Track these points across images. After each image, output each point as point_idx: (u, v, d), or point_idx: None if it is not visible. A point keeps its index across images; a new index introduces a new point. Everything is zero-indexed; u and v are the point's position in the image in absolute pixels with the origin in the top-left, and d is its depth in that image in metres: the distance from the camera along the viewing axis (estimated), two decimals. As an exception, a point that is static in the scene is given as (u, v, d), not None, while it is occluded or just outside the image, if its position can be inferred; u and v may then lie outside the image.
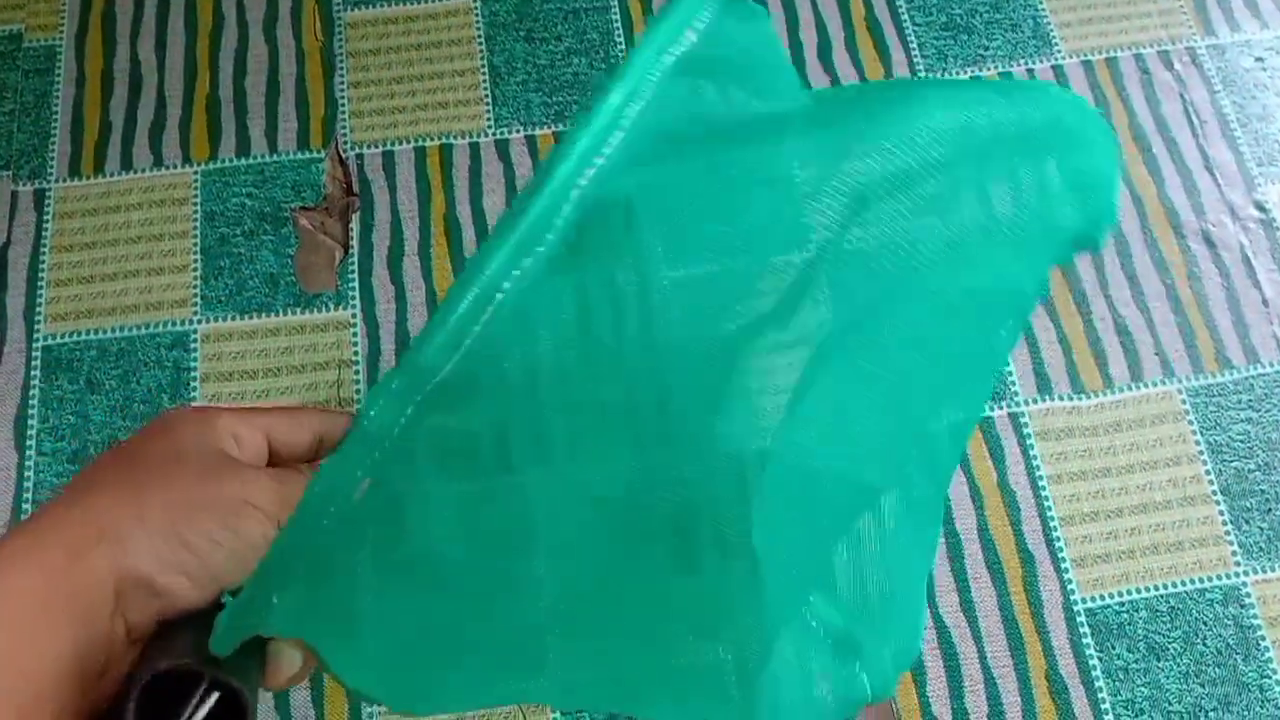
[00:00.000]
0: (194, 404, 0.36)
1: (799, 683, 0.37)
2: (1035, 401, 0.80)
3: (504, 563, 0.33)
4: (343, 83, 0.91)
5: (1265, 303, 0.83)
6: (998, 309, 0.39)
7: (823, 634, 0.38)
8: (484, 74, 0.91)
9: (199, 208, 0.86)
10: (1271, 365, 0.81)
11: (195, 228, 0.86)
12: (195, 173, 0.87)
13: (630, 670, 0.35)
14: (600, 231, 0.30)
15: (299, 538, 0.29)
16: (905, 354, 0.37)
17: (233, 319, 0.83)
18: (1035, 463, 0.78)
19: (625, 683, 0.35)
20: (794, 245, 0.33)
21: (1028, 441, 0.79)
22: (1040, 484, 0.78)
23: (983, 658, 0.73)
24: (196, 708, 0.29)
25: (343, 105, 0.90)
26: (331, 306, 0.83)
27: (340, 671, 0.31)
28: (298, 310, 0.83)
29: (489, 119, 0.89)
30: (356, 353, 0.81)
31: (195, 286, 0.84)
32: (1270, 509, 0.77)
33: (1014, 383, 0.81)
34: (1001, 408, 0.80)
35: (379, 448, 0.28)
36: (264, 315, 0.83)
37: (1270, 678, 0.73)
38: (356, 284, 0.84)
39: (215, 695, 0.29)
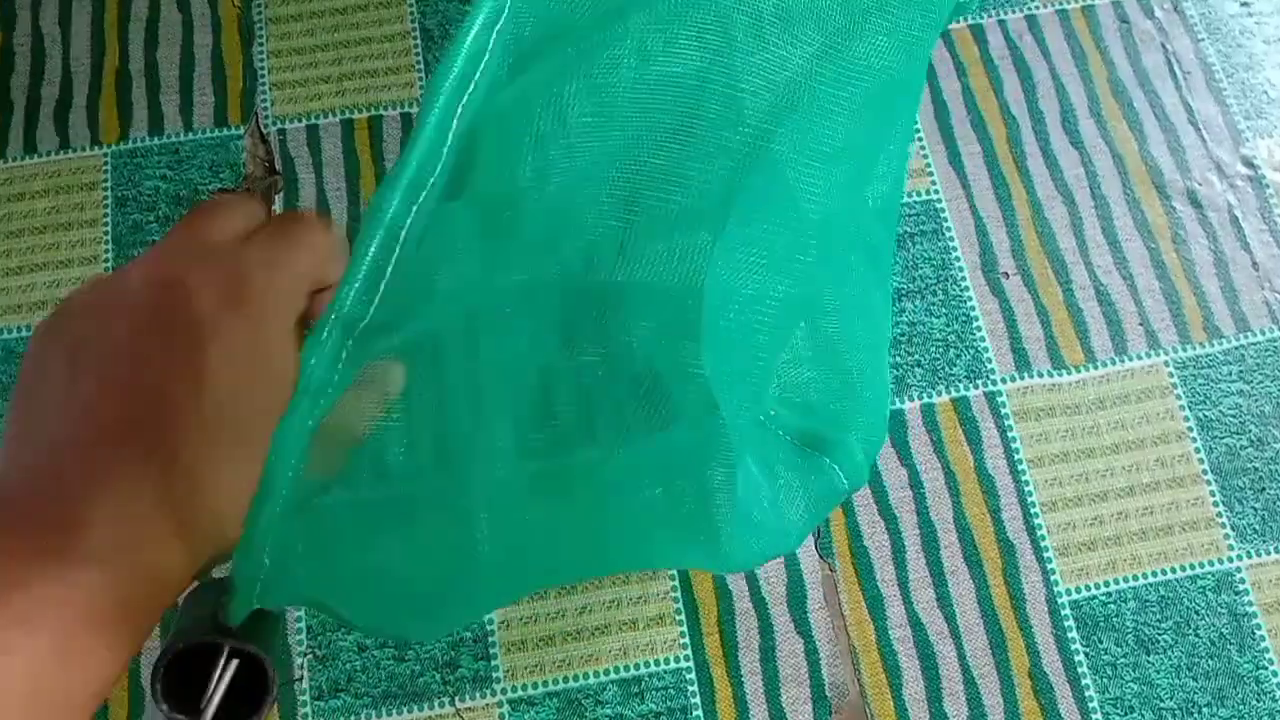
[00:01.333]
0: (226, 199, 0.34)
1: (769, 490, 0.39)
2: (1013, 379, 0.75)
3: (465, 467, 0.34)
4: (262, 52, 0.84)
5: (1255, 266, 0.78)
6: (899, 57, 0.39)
7: (785, 437, 0.40)
8: (416, 38, 0.84)
9: (109, 193, 0.79)
10: (1263, 333, 0.76)
11: (106, 215, 0.79)
12: (105, 155, 0.81)
13: (601, 534, 0.37)
14: (482, 152, 0.31)
15: (263, 504, 0.29)
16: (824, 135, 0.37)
17: (148, 313, 0.76)
18: (1014, 445, 0.73)
19: (599, 548, 0.38)
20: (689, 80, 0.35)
21: (1005, 423, 0.74)
22: (1020, 468, 0.73)
23: (962, 657, 0.69)
24: (219, 680, 0.30)
25: (263, 76, 0.83)
26: (254, 297, 0.76)
27: (350, 620, 0.33)
28: (218, 302, 0.76)
29: (421, 87, 0.83)
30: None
31: (106, 278, 0.77)
32: (1264, 488, 0.72)
33: (990, 360, 0.75)
34: (977, 387, 0.75)
35: (323, 396, 0.29)
36: (181, 308, 0.76)
37: (1266, 668, 0.68)
38: (281, 271, 0.77)
39: (235, 663, 0.30)
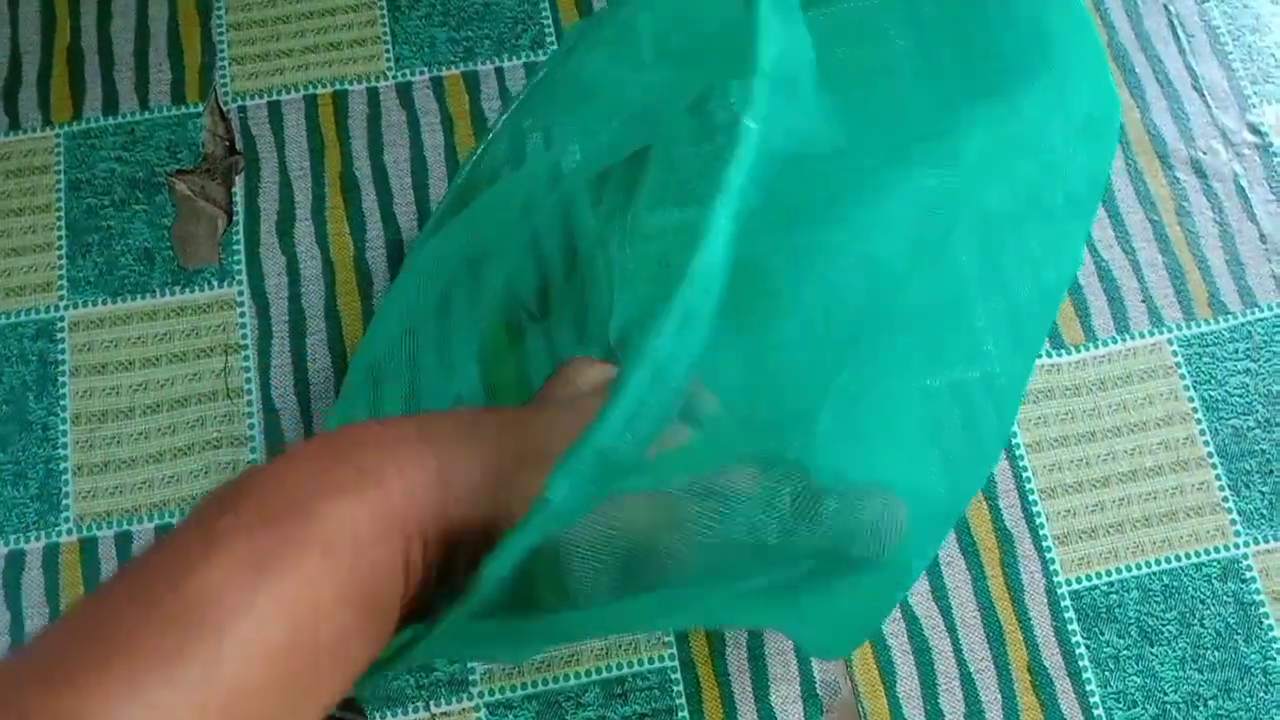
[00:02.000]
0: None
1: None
2: (1010, 361, 0.72)
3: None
4: (221, 25, 0.80)
5: (1263, 238, 0.75)
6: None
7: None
8: (382, 8, 0.80)
9: (62, 176, 0.76)
10: (1270, 309, 0.73)
11: (59, 199, 0.75)
12: (57, 135, 0.77)
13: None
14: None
15: (466, 600, 0.30)
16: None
17: (104, 302, 0.73)
18: (1011, 430, 0.70)
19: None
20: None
21: (1003, 407, 0.70)
22: (1017, 453, 0.70)
23: (958, 651, 0.66)
24: None
25: (222, 51, 0.79)
26: (215, 283, 0.73)
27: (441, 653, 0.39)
28: (177, 289, 0.73)
29: (389, 60, 0.79)
30: (245, 336, 0.72)
31: (60, 267, 0.73)
32: (1272, 470, 0.69)
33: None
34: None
35: (563, 520, 0.30)
36: (139, 297, 0.73)
37: (1274, 659, 0.66)
38: (242, 256, 0.74)
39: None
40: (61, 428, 0.70)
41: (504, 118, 0.65)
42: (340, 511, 0.28)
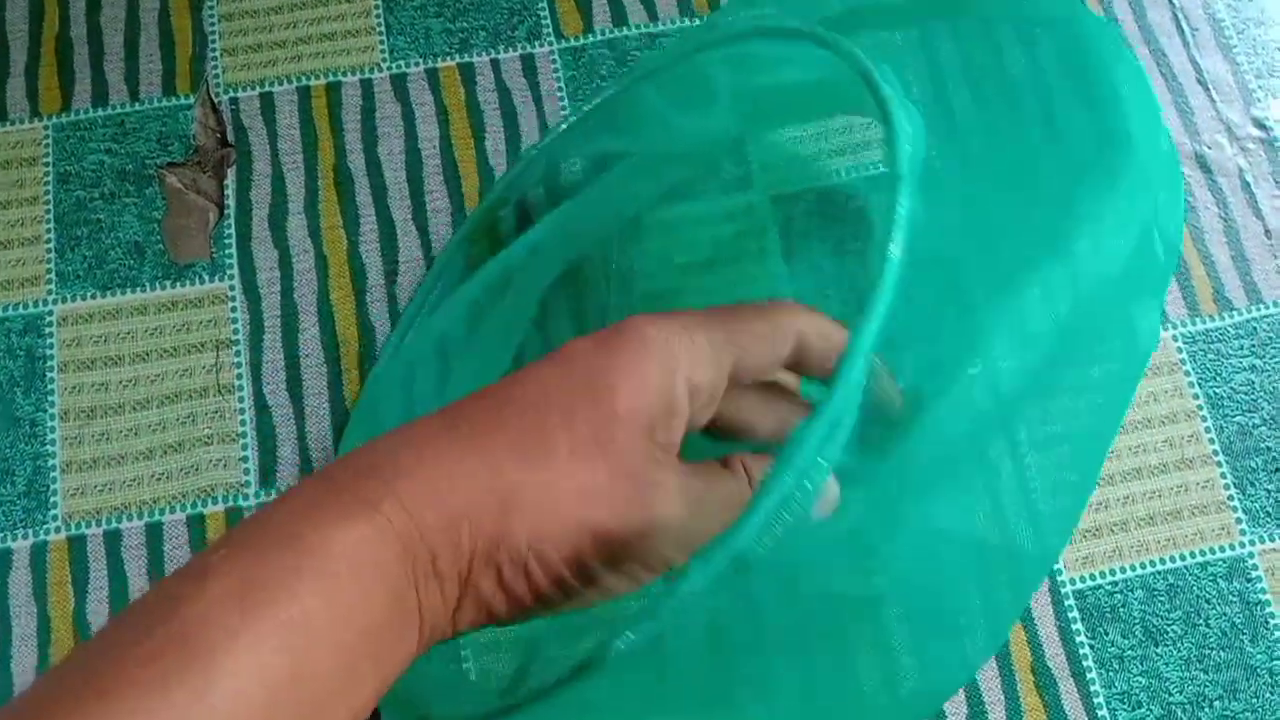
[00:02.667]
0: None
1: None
2: (1013, 357, 0.71)
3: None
4: (213, 15, 0.78)
5: (1268, 234, 0.74)
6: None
7: None
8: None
9: (51, 168, 0.74)
10: (1276, 305, 0.72)
11: (47, 192, 0.74)
12: (45, 127, 0.76)
13: None
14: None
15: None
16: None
17: (93, 297, 0.71)
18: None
19: None
20: None
21: (1006, 404, 0.70)
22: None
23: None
24: None
25: (213, 42, 0.78)
26: (206, 278, 0.72)
27: None
28: (167, 284, 0.72)
29: (383, 51, 0.77)
30: (236, 330, 0.71)
31: (49, 261, 0.72)
32: (1278, 468, 0.69)
33: (989, 337, 0.71)
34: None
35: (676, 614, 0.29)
36: (129, 291, 0.72)
37: (1280, 659, 0.65)
38: (234, 250, 0.72)
39: None
40: (50, 424, 0.68)
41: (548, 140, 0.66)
42: (335, 538, 0.27)
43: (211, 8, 0.78)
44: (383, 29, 0.78)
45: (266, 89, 0.76)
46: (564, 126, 0.66)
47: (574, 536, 0.29)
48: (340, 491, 0.28)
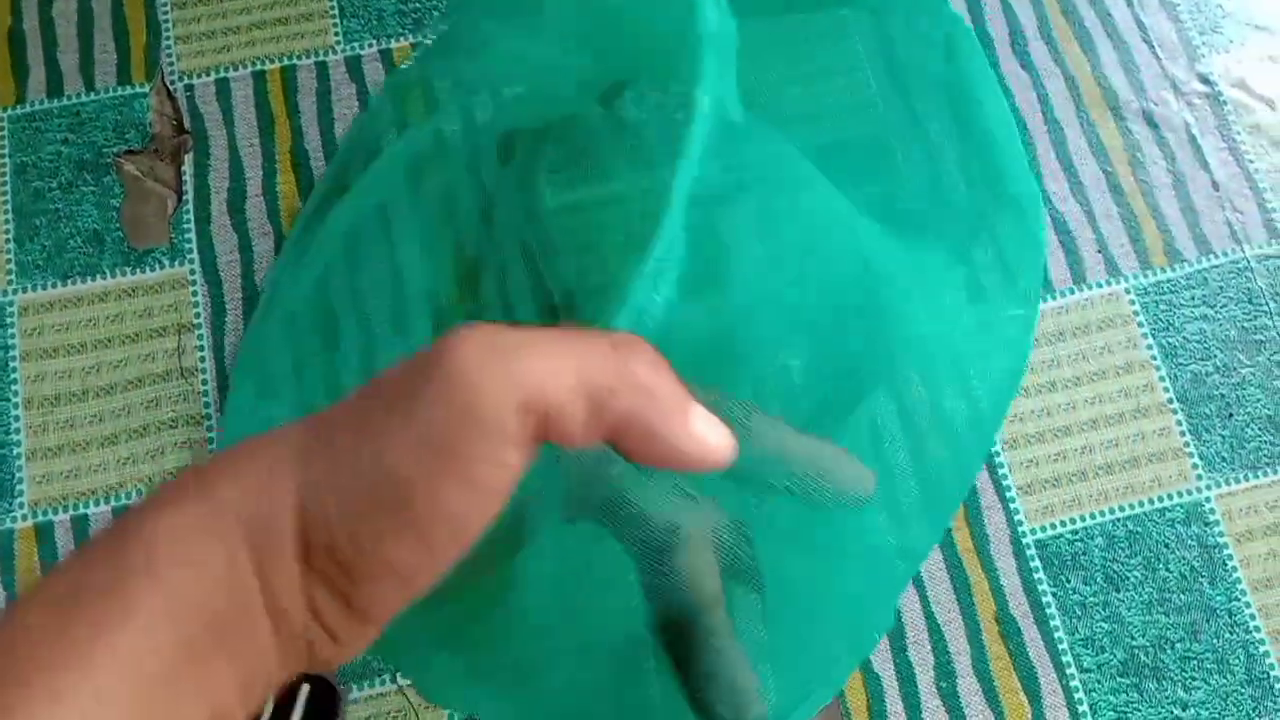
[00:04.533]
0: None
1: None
2: (969, 314, 0.72)
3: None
4: (166, 4, 0.79)
5: (1215, 186, 0.75)
6: None
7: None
8: (328, -17, 0.79)
9: (7, 159, 0.75)
10: (1225, 255, 0.73)
11: (5, 183, 0.74)
12: (0, 119, 0.75)
13: None
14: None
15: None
16: None
17: (54, 286, 0.71)
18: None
19: None
20: None
21: (963, 359, 0.70)
22: (979, 406, 0.70)
23: (925, 603, 0.66)
24: (298, 706, 0.32)
25: (167, 29, 0.78)
26: (166, 263, 0.72)
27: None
28: (128, 270, 0.72)
29: (337, 34, 0.78)
30: (198, 315, 0.71)
31: (8, 252, 0.72)
32: (1231, 414, 0.70)
33: (944, 295, 0.72)
34: (932, 324, 0.71)
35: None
36: (89, 279, 0.72)
37: (1239, 599, 0.66)
38: (193, 234, 0.73)
39: (307, 687, 0.33)
40: (14, 413, 0.68)
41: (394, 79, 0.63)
42: (162, 524, 0.25)
43: (164, -4, 0.79)
44: (336, 12, 0.78)
45: (222, 75, 0.77)
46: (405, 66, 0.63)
47: (386, 472, 0.25)
48: (183, 483, 0.27)
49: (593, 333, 0.27)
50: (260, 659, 0.26)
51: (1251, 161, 0.75)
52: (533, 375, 0.24)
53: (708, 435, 0.26)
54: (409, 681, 0.63)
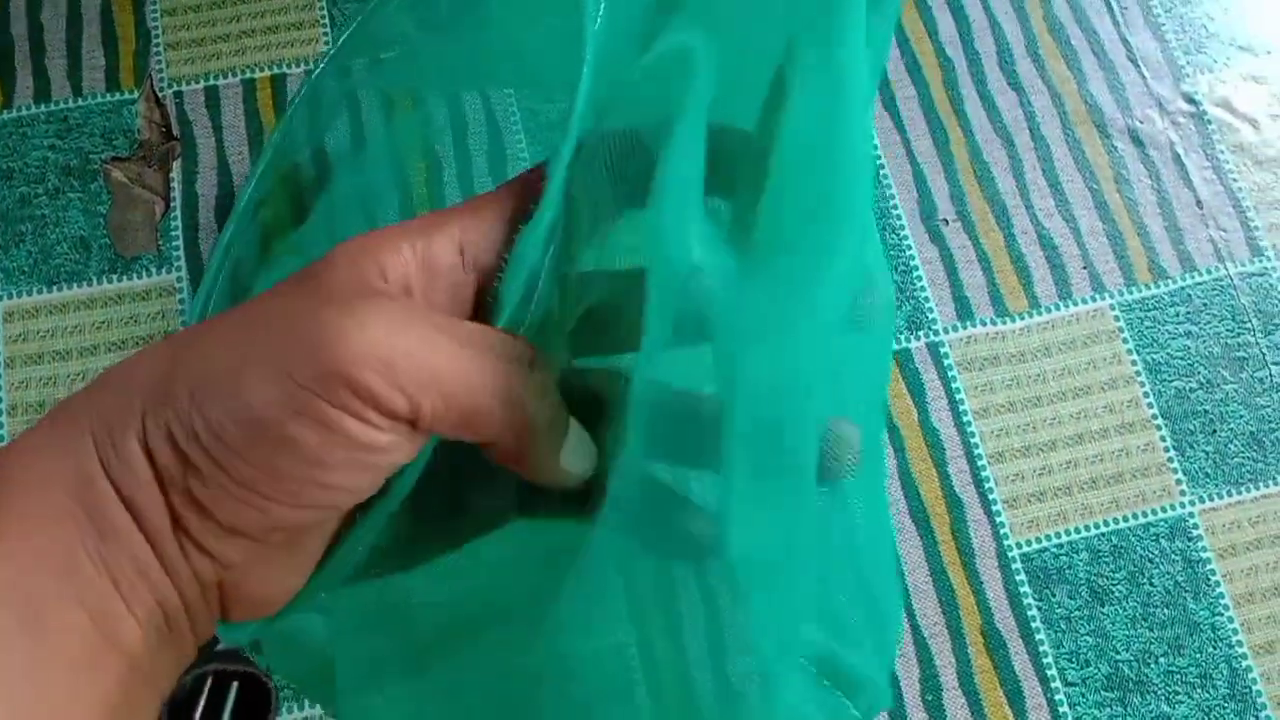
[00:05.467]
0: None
1: None
2: (955, 329, 0.72)
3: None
4: (155, 10, 0.78)
5: (1199, 204, 0.76)
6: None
7: (813, 670, 0.35)
8: (319, -8, 0.79)
9: (-7, 165, 0.74)
10: (1209, 272, 0.74)
11: (-10, 188, 0.73)
12: (-13, 124, 0.75)
13: None
14: None
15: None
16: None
17: (39, 292, 0.71)
18: (958, 397, 0.70)
19: None
20: None
21: (949, 374, 0.71)
22: (965, 420, 0.70)
23: (912, 616, 0.66)
24: (228, 703, 0.31)
25: (156, 36, 0.78)
26: (153, 270, 0.72)
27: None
28: (114, 277, 0.72)
29: (327, 42, 0.78)
30: (185, 322, 0.70)
31: (-7, 256, 0.72)
32: (1215, 430, 0.70)
33: (931, 310, 0.72)
34: (919, 339, 0.72)
35: None
36: (75, 286, 0.71)
37: (1222, 614, 0.66)
38: (181, 242, 0.72)
39: (236, 684, 0.31)
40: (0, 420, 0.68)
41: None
42: (10, 451, 0.25)
43: (154, 3, 0.78)
44: (326, 21, 0.78)
45: (211, 82, 0.76)
46: (324, 62, 0.61)
47: (234, 371, 0.24)
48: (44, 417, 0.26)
49: (491, 340, 0.26)
50: (133, 565, 0.24)
51: (1235, 180, 0.76)
52: (414, 361, 0.24)
53: (571, 466, 0.27)
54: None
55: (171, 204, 0.73)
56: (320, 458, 0.23)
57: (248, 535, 0.25)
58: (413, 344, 0.24)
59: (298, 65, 0.77)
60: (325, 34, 0.78)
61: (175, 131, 0.75)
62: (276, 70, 0.77)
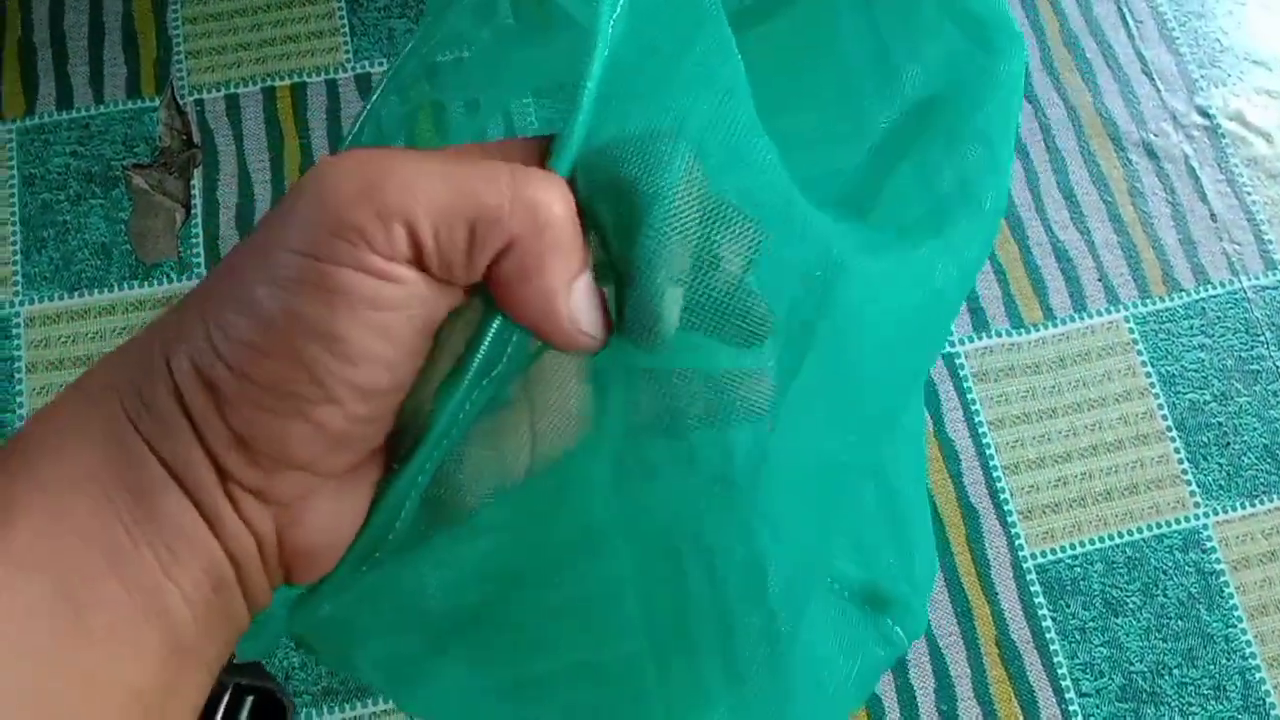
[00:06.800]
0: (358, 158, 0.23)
1: (836, 657, 0.35)
2: (971, 340, 0.72)
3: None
4: (177, 18, 0.79)
5: (1214, 217, 0.76)
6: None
7: (848, 596, 0.36)
8: (340, 1, 0.80)
9: (16, 171, 0.75)
10: (1222, 285, 0.74)
11: (13, 195, 0.74)
12: (9, 131, 0.76)
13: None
14: None
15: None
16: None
17: (61, 298, 0.72)
18: (974, 408, 0.71)
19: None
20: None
21: (964, 385, 0.71)
22: (980, 430, 0.70)
23: (927, 628, 0.66)
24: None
25: (178, 44, 0.78)
26: (174, 277, 0.72)
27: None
28: (135, 284, 0.72)
29: (347, 51, 0.78)
30: (205, 328, 0.71)
31: (15, 263, 0.72)
32: (1229, 442, 0.71)
33: (948, 320, 0.73)
34: (935, 349, 0.72)
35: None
36: (96, 291, 0.72)
37: (1236, 626, 0.67)
38: (201, 249, 0.73)
39: (250, 699, 0.30)
40: (19, 425, 0.68)
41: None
42: (44, 418, 0.23)
43: (176, 11, 0.79)
44: (347, 30, 0.79)
45: (232, 90, 0.77)
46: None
47: (237, 274, 0.23)
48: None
49: (492, 155, 0.23)
50: (174, 529, 0.22)
51: (1249, 194, 0.77)
52: (396, 180, 0.21)
53: (581, 312, 0.23)
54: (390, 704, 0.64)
55: (192, 211, 0.74)
56: (332, 329, 0.21)
57: (294, 463, 0.23)
58: (395, 162, 0.21)
59: (318, 74, 0.77)
60: (346, 43, 0.78)
61: (196, 139, 0.76)
62: (297, 79, 0.77)
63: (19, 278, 0.72)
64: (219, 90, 0.77)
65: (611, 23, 0.24)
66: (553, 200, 0.22)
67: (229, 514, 0.23)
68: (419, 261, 0.22)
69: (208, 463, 0.22)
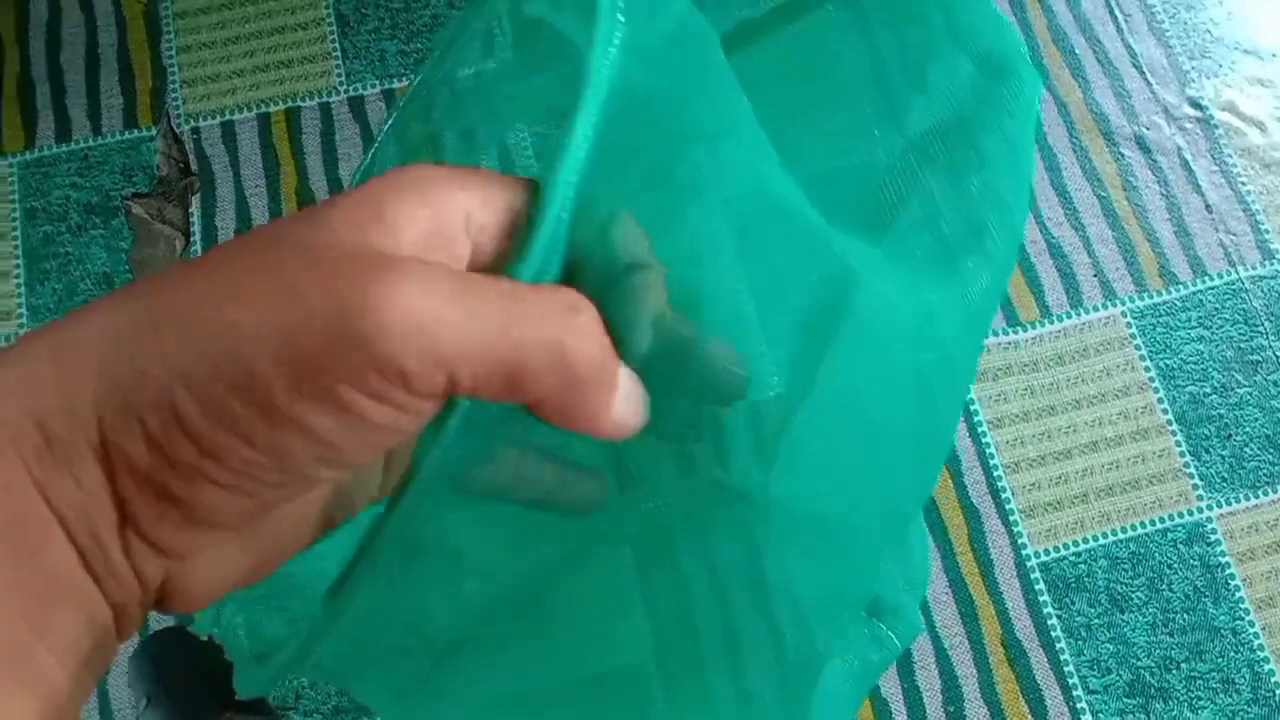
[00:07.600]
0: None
1: (840, 670, 0.35)
2: (968, 340, 0.72)
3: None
4: (171, 48, 0.80)
5: (1209, 208, 0.76)
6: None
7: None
8: (330, 25, 0.81)
9: (17, 204, 0.76)
10: (1220, 276, 0.74)
11: (15, 228, 0.75)
12: (10, 165, 0.77)
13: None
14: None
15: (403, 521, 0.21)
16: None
17: (64, 328, 0.72)
18: (973, 408, 0.71)
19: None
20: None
21: (963, 385, 0.71)
22: (980, 430, 0.70)
23: (932, 628, 0.66)
24: None
25: (173, 74, 0.79)
26: (175, 304, 0.73)
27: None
28: (137, 311, 0.73)
29: (339, 75, 0.79)
30: (207, 354, 0.72)
31: (19, 296, 0.73)
32: (1230, 434, 0.70)
33: (943, 321, 0.73)
34: (931, 350, 0.72)
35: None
36: (99, 320, 0.73)
37: (1243, 619, 0.66)
38: (201, 276, 0.74)
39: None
40: (26, 455, 0.69)
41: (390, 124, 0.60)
42: None
43: (170, 41, 0.80)
44: (338, 54, 0.80)
45: (227, 117, 0.78)
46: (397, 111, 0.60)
47: (233, 348, 0.19)
48: None
49: (537, 291, 0.22)
50: (59, 585, 0.19)
51: (1244, 184, 0.77)
52: (451, 331, 0.19)
53: (625, 416, 0.22)
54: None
55: (192, 238, 0.74)
56: (333, 442, 0.19)
57: (221, 525, 0.21)
58: (449, 308, 0.20)
59: (312, 98, 0.78)
60: (338, 67, 0.79)
61: (193, 167, 0.76)
62: (291, 104, 0.78)
63: (23, 310, 0.73)
64: (215, 118, 0.78)
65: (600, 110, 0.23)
66: (590, 349, 0.21)
67: (122, 565, 0.20)
68: (444, 395, 0.20)
69: (113, 514, 0.20)
